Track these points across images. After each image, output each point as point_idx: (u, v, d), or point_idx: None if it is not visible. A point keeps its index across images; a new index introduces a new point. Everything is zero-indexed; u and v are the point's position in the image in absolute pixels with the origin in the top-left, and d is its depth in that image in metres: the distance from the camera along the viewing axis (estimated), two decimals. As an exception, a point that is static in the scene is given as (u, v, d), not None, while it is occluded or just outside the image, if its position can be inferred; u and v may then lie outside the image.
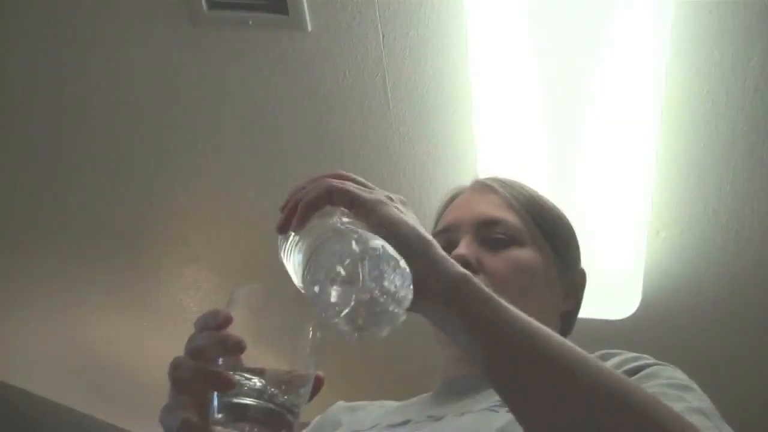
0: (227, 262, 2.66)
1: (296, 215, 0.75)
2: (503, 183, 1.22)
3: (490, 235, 1.13)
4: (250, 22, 1.92)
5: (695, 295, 2.29)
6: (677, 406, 0.79)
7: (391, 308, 0.69)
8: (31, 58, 2.11)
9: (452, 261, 0.78)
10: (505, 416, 0.93)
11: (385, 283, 0.68)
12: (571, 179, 2.06)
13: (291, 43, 1.96)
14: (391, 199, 0.79)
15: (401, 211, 0.78)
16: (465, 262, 1.06)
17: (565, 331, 1.21)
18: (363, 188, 0.79)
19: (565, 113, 1.96)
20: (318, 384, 0.80)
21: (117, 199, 2.50)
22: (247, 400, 0.74)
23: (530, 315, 1.06)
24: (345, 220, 0.76)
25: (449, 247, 1.11)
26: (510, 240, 1.12)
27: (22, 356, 3.34)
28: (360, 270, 0.67)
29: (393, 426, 1.07)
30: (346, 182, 0.79)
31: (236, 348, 0.74)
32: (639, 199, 2.10)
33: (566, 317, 1.20)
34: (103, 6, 1.95)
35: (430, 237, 0.78)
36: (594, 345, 1.22)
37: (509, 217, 1.15)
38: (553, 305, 1.15)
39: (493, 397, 0.99)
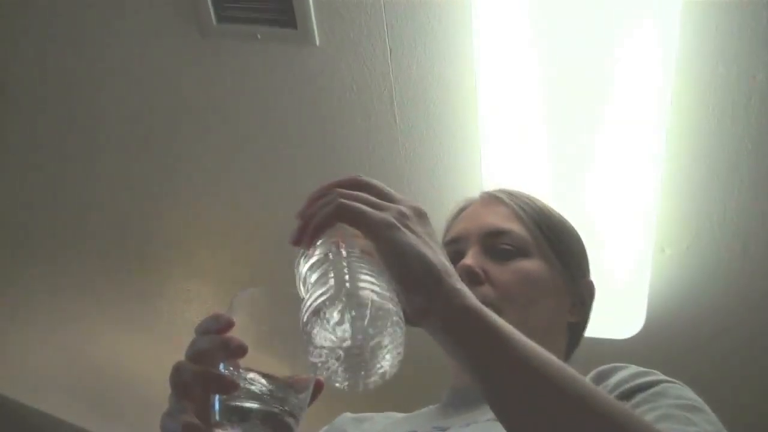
0: (232, 276, 2.66)
1: (307, 234, 0.74)
2: (511, 194, 1.23)
3: (496, 245, 1.14)
4: (259, 36, 1.94)
5: (700, 313, 2.28)
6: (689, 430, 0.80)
7: (377, 367, 0.69)
8: (40, 72, 2.12)
9: (457, 290, 0.73)
10: None
11: (371, 343, 0.67)
12: (576, 196, 2.06)
13: (299, 57, 1.97)
14: (404, 215, 0.74)
15: (413, 231, 0.73)
16: (471, 273, 1.08)
17: (573, 343, 1.22)
18: (377, 203, 0.74)
19: (571, 130, 1.97)
20: (318, 388, 0.80)
21: (122, 213, 2.51)
22: (249, 404, 0.75)
23: (536, 325, 1.08)
24: (350, 245, 0.75)
25: (457, 257, 1.12)
26: (516, 251, 1.13)
27: (26, 371, 3.33)
28: (347, 324, 0.67)
29: None
30: (359, 197, 0.74)
31: (238, 351, 0.75)
32: (644, 216, 2.10)
33: (574, 328, 1.20)
34: (112, 18, 1.97)
35: (439, 264, 0.73)
36: (598, 364, 1.22)
37: (516, 227, 1.16)
38: (560, 316, 1.16)
39: None
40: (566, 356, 1.20)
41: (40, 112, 2.23)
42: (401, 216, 0.73)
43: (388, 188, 0.77)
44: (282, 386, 0.77)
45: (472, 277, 1.09)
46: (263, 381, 0.76)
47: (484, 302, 1.05)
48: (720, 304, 2.25)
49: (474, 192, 1.32)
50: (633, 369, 0.96)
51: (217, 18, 1.92)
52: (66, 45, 2.05)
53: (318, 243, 0.75)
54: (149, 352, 3.04)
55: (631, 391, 0.90)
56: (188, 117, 2.17)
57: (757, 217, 2.04)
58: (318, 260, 0.74)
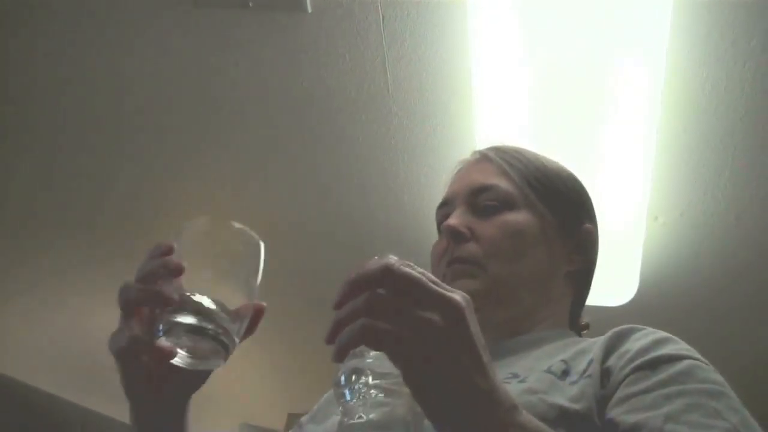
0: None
1: (335, 349, 0.70)
2: (499, 150, 1.22)
3: (481, 202, 1.14)
4: (251, 4, 1.92)
5: (693, 281, 2.29)
6: (717, 426, 0.81)
7: None
8: (30, 48, 2.11)
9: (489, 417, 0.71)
10: (517, 386, 0.94)
11: None
12: (570, 164, 2.06)
13: (291, 25, 1.95)
14: (438, 329, 0.69)
15: (444, 352, 0.69)
16: (455, 232, 1.10)
17: (580, 292, 1.20)
18: (407, 317, 0.69)
19: (564, 97, 1.96)
20: (258, 312, 0.88)
21: (118, 194, 2.50)
22: (189, 319, 0.81)
23: (528, 276, 1.10)
24: (370, 378, 0.76)
25: (446, 219, 1.14)
26: (502, 205, 1.13)
27: (23, 350, 3.34)
28: None
29: None
30: (387, 313, 0.69)
31: (176, 270, 0.83)
32: (638, 184, 2.10)
33: (574, 277, 1.18)
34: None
35: (467, 396, 0.70)
36: (591, 332, 1.22)
37: (500, 182, 1.15)
38: (554, 266, 1.15)
39: (507, 369, 1.00)
40: (574, 306, 1.20)
41: (28, 88, 2.21)
42: (433, 333, 0.69)
43: (424, 279, 0.70)
44: (221, 306, 0.83)
45: (456, 236, 1.10)
46: (203, 300, 0.82)
47: (470, 259, 1.07)
48: (712, 272, 2.27)
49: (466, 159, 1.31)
50: (652, 335, 0.96)
51: (209, -15, 1.90)
52: (60, 22, 2.03)
53: None
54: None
55: (655, 362, 0.90)
56: (181, 87, 2.16)
57: (750, 185, 2.04)
58: (345, 378, 0.77)
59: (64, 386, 3.41)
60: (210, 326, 0.81)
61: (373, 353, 0.75)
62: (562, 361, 0.98)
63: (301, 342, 2.79)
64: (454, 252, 1.11)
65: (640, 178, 2.09)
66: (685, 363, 0.89)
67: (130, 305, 0.85)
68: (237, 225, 0.89)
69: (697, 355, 0.92)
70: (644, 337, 0.95)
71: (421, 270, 0.72)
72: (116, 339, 0.86)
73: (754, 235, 2.15)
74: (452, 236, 1.10)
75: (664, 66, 1.84)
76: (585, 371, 0.94)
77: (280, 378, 3.22)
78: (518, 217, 1.13)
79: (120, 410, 3.31)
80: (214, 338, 0.82)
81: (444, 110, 2.07)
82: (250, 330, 0.88)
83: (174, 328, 0.81)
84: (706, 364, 0.91)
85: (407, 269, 0.70)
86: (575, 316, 1.22)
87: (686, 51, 1.81)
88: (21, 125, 2.33)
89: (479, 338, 0.71)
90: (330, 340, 0.70)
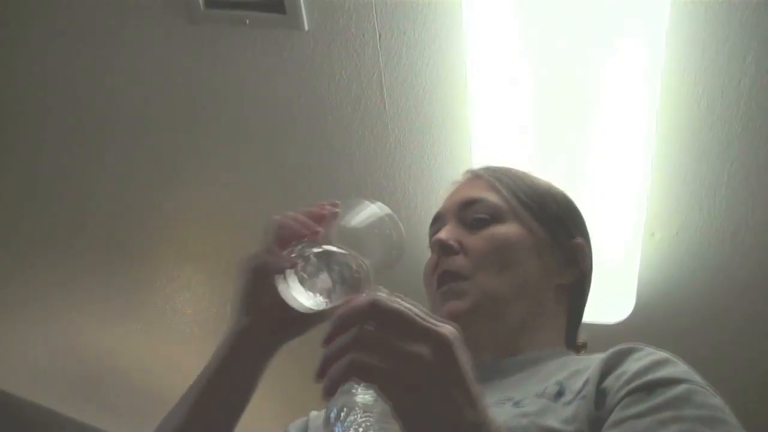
0: (222, 264, 2.65)
1: (324, 385, 0.70)
2: (489, 168, 1.25)
3: (470, 216, 1.16)
4: (247, 21, 1.93)
5: (690, 297, 2.29)
6: None
7: None
8: (16, 63, 2.11)
9: None
10: (511, 410, 0.94)
11: None
12: (566, 180, 2.05)
13: (287, 43, 1.96)
14: (426, 362, 0.69)
15: (433, 383, 0.69)
16: (444, 246, 1.12)
17: (575, 306, 1.21)
18: (395, 351, 0.69)
19: (561, 113, 1.97)
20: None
21: (111, 202, 2.49)
22: (318, 249, 0.90)
23: (517, 288, 1.11)
24: (359, 415, 0.76)
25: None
26: (490, 219, 1.15)
27: (18, 363, 3.32)
28: None
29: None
30: (375, 348, 0.69)
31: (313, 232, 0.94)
32: (634, 200, 2.10)
33: (566, 291, 1.19)
34: (99, 8, 1.96)
35: (460, 421, 0.70)
36: (588, 350, 1.22)
37: (489, 196, 1.18)
38: (544, 279, 1.15)
39: (503, 392, 1.00)
40: (571, 323, 1.20)
41: (19, 99, 2.21)
42: (422, 367, 0.69)
43: (411, 313, 0.71)
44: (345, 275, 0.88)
45: (445, 250, 1.12)
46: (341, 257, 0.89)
47: (458, 272, 1.09)
48: (709, 289, 2.26)
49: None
50: (652, 356, 0.94)
51: (205, 3, 1.91)
52: (54, 38, 2.04)
53: None
54: (139, 341, 3.03)
55: (652, 385, 0.88)
56: (178, 104, 2.16)
57: (747, 202, 2.04)
58: (335, 415, 0.78)
59: (57, 398, 3.41)
60: (335, 267, 0.88)
61: (361, 389, 0.75)
62: (557, 383, 0.97)
63: (304, 353, 2.78)
64: (443, 265, 1.12)
65: (636, 194, 2.09)
66: (683, 387, 0.88)
67: (274, 228, 0.96)
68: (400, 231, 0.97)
69: (696, 378, 0.91)
70: (643, 358, 0.94)
71: (410, 304, 0.72)
72: (253, 256, 0.96)
73: (750, 251, 2.15)
74: (441, 250, 1.12)
75: (659, 82, 1.84)
76: (580, 392, 0.93)
77: (280, 389, 3.21)
78: (507, 229, 1.14)
79: (114, 424, 3.30)
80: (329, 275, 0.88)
81: (440, 127, 2.07)
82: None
83: (304, 251, 0.89)
84: (704, 387, 0.89)
85: (395, 304, 0.70)
86: (572, 334, 1.22)
87: (682, 68, 1.82)
88: (4, 140, 2.33)
89: (468, 371, 0.71)
90: (319, 376, 0.69)
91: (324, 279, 0.88)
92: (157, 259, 2.70)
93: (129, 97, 2.16)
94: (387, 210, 0.99)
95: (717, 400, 0.88)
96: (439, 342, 0.70)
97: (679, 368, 0.92)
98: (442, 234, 1.14)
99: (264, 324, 1.02)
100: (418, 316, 0.71)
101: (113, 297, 2.87)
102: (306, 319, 0.97)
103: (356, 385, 0.75)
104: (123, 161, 2.35)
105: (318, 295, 0.88)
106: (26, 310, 3.02)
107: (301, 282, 0.88)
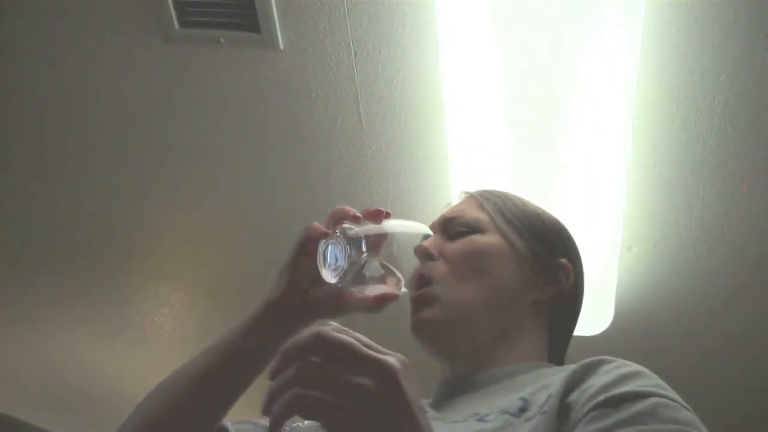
0: (199, 281, 2.65)
1: (270, 421, 0.70)
2: (483, 190, 1.27)
3: (453, 229, 1.19)
4: (222, 41, 1.92)
5: (668, 310, 2.30)
6: None
7: None
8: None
9: None
10: (473, 426, 0.94)
11: None
12: (543, 195, 2.06)
13: (263, 62, 1.96)
14: (371, 393, 0.69)
15: (377, 414, 0.69)
16: (425, 253, 1.13)
17: (557, 324, 1.19)
18: (338, 385, 0.69)
19: (538, 130, 1.97)
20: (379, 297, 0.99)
21: (88, 216, 2.48)
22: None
23: (488, 294, 1.12)
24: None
25: None
26: (471, 231, 1.18)
27: (1, 379, 3.30)
28: None
29: None
30: (319, 381, 0.69)
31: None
32: (611, 214, 2.11)
33: (544, 306, 1.18)
34: (75, 23, 1.95)
35: None
36: (567, 361, 1.22)
37: (473, 212, 1.20)
38: (520, 291, 1.15)
39: (470, 407, 1.00)
40: (555, 340, 1.19)
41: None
42: (366, 397, 0.69)
43: (356, 344, 0.71)
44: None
45: (425, 257, 1.13)
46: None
47: (433, 277, 1.12)
48: (686, 302, 2.27)
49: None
50: (621, 369, 0.91)
51: (180, 23, 1.90)
52: (27, 49, 2.02)
53: None
54: (120, 358, 3.03)
55: (618, 400, 0.86)
56: (154, 123, 2.16)
57: (722, 216, 2.06)
58: None
59: (32, 411, 3.40)
60: (352, 252, 0.93)
61: (306, 422, 0.75)
62: (521, 398, 0.96)
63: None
64: (422, 270, 1.14)
65: (613, 209, 2.09)
66: (650, 401, 0.85)
67: (334, 212, 1.00)
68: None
69: (666, 392, 0.88)
70: (611, 371, 0.92)
71: (356, 335, 0.72)
72: (304, 229, 1.00)
73: (726, 264, 2.17)
74: (422, 257, 1.13)
75: (635, 99, 1.85)
76: (542, 407, 0.92)
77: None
78: (485, 238, 1.16)
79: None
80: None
81: (417, 143, 2.07)
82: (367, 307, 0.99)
83: (342, 226, 0.95)
84: (674, 401, 0.86)
85: (339, 335, 0.70)
86: (559, 352, 1.21)
87: (656, 86, 1.83)
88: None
89: (414, 400, 0.71)
90: (265, 411, 0.69)
91: (340, 258, 0.94)
92: (136, 278, 2.69)
93: (105, 117, 2.15)
94: None
95: (686, 414, 0.85)
96: (384, 372, 0.70)
97: (648, 381, 0.90)
98: (426, 243, 1.14)
99: (291, 298, 1.03)
100: (365, 345, 0.71)
101: (95, 315, 2.86)
102: (329, 307, 1.02)
103: (302, 420, 0.75)
104: (100, 181, 2.34)
105: (332, 269, 0.94)
106: (4, 327, 3.00)
107: (324, 252, 0.96)
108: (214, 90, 2.04)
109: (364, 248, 0.92)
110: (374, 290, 0.98)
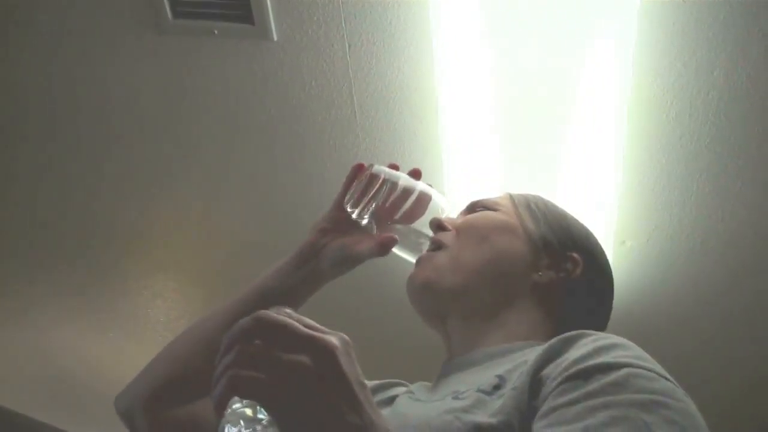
0: (193, 272, 2.65)
1: (213, 405, 0.71)
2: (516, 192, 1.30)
3: (473, 209, 1.24)
4: (216, 32, 1.91)
5: (661, 303, 2.30)
6: None
7: None
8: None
9: None
10: (444, 404, 0.94)
11: None
12: (537, 189, 2.06)
13: (257, 53, 1.95)
14: (307, 370, 0.69)
15: (313, 393, 0.69)
16: (440, 226, 1.19)
17: (553, 306, 1.15)
18: (275, 363, 0.69)
19: (531, 123, 1.97)
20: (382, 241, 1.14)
21: (81, 208, 2.47)
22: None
23: (486, 262, 1.15)
24: (242, 429, 0.74)
25: None
26: (487, 209, 1.22)
27: (1, 373, 3.31)
28: None
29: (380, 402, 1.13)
30: (255, 361, 0.69)
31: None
32: (605, 208, 2.11)
33: (543, 290, 1.15)
34: (67, 14, 1.93)
35: (344, 427, 0.70)
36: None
37: (498, 198, 1.24)
38: (519, 268, 1.15)
39: (451, 386, 1.01)
40: (558, 324, 1.13)
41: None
42: (302, 375, 0.69)
43: (294, 323, 0.71)
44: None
45: (439, 228, 1.19)
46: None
47: (441, 241, 1.18)
48: (680, 296, 2.28)
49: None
50: (598, 342, 0.88)
51: (173, 14, 1.89)
52: (20, 51, 2.02)
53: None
54: (114, 350, 3.03)
55: (590, 371, 0.83)
56: (146, 115, 2.15)
57: (716, 210, 2.06)
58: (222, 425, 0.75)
59: (26, 402, 3.41)
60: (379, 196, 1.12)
61: (245, 402, 0.74)
62: (497, 376, 0.95)
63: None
64: (435, 237, 1.19)
65: (607, 203, 2.10)
66: (623, 372, 0.82)
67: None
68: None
69: (644, 362, 0.85)
70: (588, 344, 0.89)
71: (298, 316, 0.73)
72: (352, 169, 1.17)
73: (719, 258, 2.17)
74: (435, 228, 1.18)
75: (629, 94, 1.85)
76: (514, 382, 0.90)
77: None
78: (497, 214, 1.20)
79: (81, 426, 3.28)
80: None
81: (411, 136, 2.07)
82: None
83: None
84: (651, 371, 0.83)
85: (277, 316, 0.71)
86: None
87: (651, 79, 1.82)
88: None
89: (356, 377, 0.72)
90: (211, 396, 0.70)
91: (368, 197, 1.11)
92: (129, 271, 2.69)
93: (96, 109, 2.14)
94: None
95: (664, 384, 0.82)
96: (322, 349, 0.70)
97: (625, 352, 0.87)
98: (442, 217, 1.20)
99: (323, 241, 1.17)
100: (304, 324, 0.71)
101: (92, 308, 2.87)
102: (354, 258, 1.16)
103: (242, 400, 0.75)
104: (92, 172, 2.33)
105: (355, 207, 1.13)
106: (6, 323, 3.01)
107: (354, 190, 1.13)
108: (208, 81, 2.03)
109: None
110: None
